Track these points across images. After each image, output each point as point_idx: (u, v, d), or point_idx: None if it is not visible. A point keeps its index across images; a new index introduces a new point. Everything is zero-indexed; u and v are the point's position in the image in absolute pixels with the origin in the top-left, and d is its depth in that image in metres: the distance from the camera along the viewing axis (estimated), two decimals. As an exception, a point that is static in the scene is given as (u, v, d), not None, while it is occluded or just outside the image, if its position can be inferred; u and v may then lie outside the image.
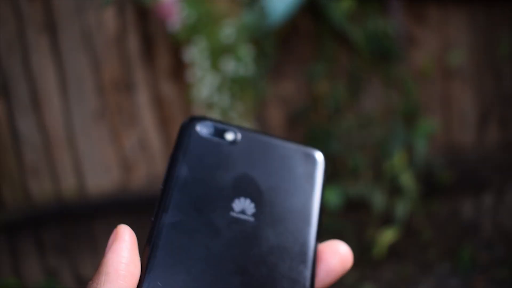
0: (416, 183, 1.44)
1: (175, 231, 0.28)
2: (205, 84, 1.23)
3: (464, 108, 1.69)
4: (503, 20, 1.67)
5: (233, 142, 0.32)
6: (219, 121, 0.33)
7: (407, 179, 1.41)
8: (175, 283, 0.26)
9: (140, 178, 1.42)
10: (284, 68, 1.47)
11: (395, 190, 1.45)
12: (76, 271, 1.41)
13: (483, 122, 1.72)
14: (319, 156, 0.34)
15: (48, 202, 1.36)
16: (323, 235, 0.32)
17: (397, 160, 1.42)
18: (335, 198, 1.36)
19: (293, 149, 0.33)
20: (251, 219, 0.30)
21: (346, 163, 1.48)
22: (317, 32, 1.47)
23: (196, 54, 1.22)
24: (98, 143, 1.39)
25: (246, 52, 1.23)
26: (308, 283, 0.29)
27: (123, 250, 0.26)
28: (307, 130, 1.50)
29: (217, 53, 1.22)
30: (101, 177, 1.40)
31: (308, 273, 0.29)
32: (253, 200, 0.30)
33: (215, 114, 1.23)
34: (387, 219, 1.47)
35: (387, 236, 1.41)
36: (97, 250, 1.41)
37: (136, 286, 0.26)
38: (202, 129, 0.32)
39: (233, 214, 0.30)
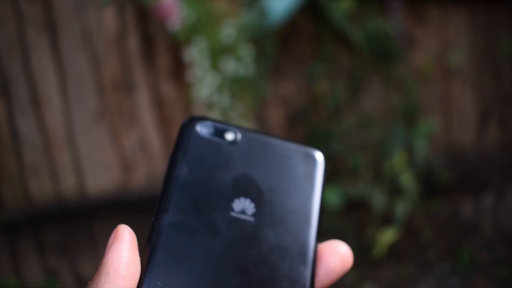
0: (416, 183, 1.44)
1: (175, 231, 0.28)
2: (205, 84, 1.23)
3: (464, 108, 1.69)
4: (503, 20, 1.67)
5: (233, 142, 0.32)
6: (219, 121, 0.33)
7: (407, 179, 1.41)
8: (175, 283, 0.26)
9: (140, 178, 1.42)
10: (284, 68, 1.47)
11: (395, 190, 1.45)
12: (76, 271, 1.41)
13: (483, 122, 1.72)
14: (319, 156, 0.34)
15: (48, 202, 1.36)
16: (323, 235, 0.32)
17: (397, 160, 1.42)
18: (335, 198, 1.36)
19: (293, 149, 0.33)
20: (251, 219, 0.30)
21: (346, 163, 1.48)
22: (317, 32, 1.47)
23: (196, 54, 1.22)
24: (98, 143, 1.39)
25: (246, 52, 1.23)
26: (308, 283, 0.29)
27: (123, 250, 0.26)
28: (307, 130, 1.50)
29: (217, 53, 1.22)
30: (101, 177, 1.40)
31: (308, 273, 0.29)
32: (253, 200, 0.30)
33: (215, 114, 1.23)
34: (387, 219, 1.47)
35: (387, 236, 1.41)
36: (97, 250, 1.41)
37: (136, 286, 0.26)
38: (202, 129, 0.32)
39: (233, 214, 0.30)
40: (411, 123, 1.49)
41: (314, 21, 1.46)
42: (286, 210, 0.31)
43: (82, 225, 1.41)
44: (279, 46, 1.37)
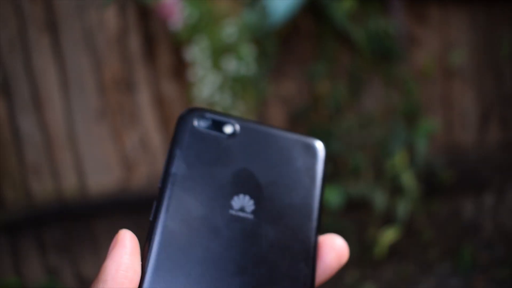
0: (416, 183, 1.44)
1: (173, 232, 0.27)
2: (206, 83, 1.23)
3: (465, 108, 1.69)
4: (504, 20, 1.67)
5: (232, 134, 0.31)
6: (217, 112, 0.32)
7: (407, 179, 1.41)
8: (174, 287, 0.26)
9: (141, 177, 1.43)
10: (285, 67, 1.47)
11: (395, 190, 1.45)
12: (77, 270, 1.41)
13: (484, 122, 1.71)
14: (319, 146, 0.33)
15: (49, 201, 1.37)
16: (323, 235, 0.31)
17: (398, 160, 1.42)
18: (336, 198, 1.36)
19: (293, 140, 0.33)
20: (251, 216, 0.29)
21: (347, 163, 1.48)
22: (318, 32, 1.47)
23: (197, 53, 1.22)
24: (99, 142, 1.39)
25: (248, 51, 1.23)
26: (309, 281, 0.29)
27: (123, 257, 0.26)
28: (307, 129, 1.50)
29: (219, 52, 1.22)
30: (102, 176, 1.40)
31: (308, 271, 0.29)
32: (252, 196, 0.30)
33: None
34: (387, 219, 1.47)
35: (388, 236, 1.41)
36: (98, 249, 1.41)
37: None
38: (200, 122, 0.31)
39: (232, 212, 0.29)
40: (412, 122, 1.49)
41: (315, 21, 1.46)
42: (286, 206, 0.30)
43: (83, 225, 1.41)
44: (280, 45, 1.37)
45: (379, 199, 1.44)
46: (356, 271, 1.49)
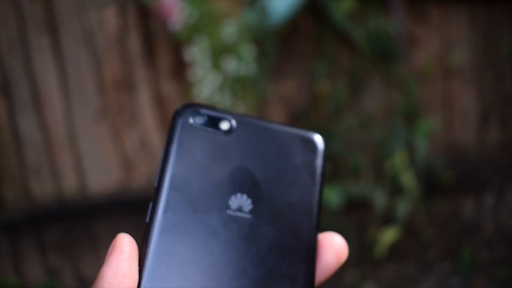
0: (416, 183, 1.44)
1: (170, 235, 0.27)
2: (206, 83, 1.23)
3: (465, 108, 1.69)
4: (504, 20, 1.67)
5: (228, 131, 0.31)
6: (214, 108, 0.31)
7: (407, 179, 1.41)
8: None
9: (141, 177, 1.43)
10: (285, 67, 1.47)
11: (396, 189, 1.45)
12: (77, 271, 1.41)
13: (484, 122, 1.71)
14: (318, 139, 0.33)
15: (49, 201, 1.37)
16: (322, 233, 0.31)
17: (398, 159, 1.41)
18: (336, 198, 1.36)
19: (292, 134, 0.32)
20: (248, 216, 0.29)
21: (347, 162, 1.48)
22: (318, 31, 1.47)
23: (197, 53, 1.22)
24: (99, 143, 1.39)
25: (248, 51, 1.22)
26: (309, 281, 0.28)
27: (120, 264, 0.25)
28: (307, 129, 1.49)
29: (218, 52, 1.22)
30: (102, 176, 1.40)
31: (308, 271, 0.29)
32: (250, 195, 0.29)
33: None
34: (388, 219, 1.47)
35: (388, 236, 1.41)
36: (98, 249, 1.41)
37: None
38: (195, 119, 0.30)
39: (230, 212, 0.29)
40: (412, 122, 1.49)
41: (315, 21, 1.46)
42: (284, 204, 0.30)
43: (83, 225, 1.41)
44: (280, 45, 1.37)
45: (379, 199, 1.44)
46: (356, 271, 1.49)
